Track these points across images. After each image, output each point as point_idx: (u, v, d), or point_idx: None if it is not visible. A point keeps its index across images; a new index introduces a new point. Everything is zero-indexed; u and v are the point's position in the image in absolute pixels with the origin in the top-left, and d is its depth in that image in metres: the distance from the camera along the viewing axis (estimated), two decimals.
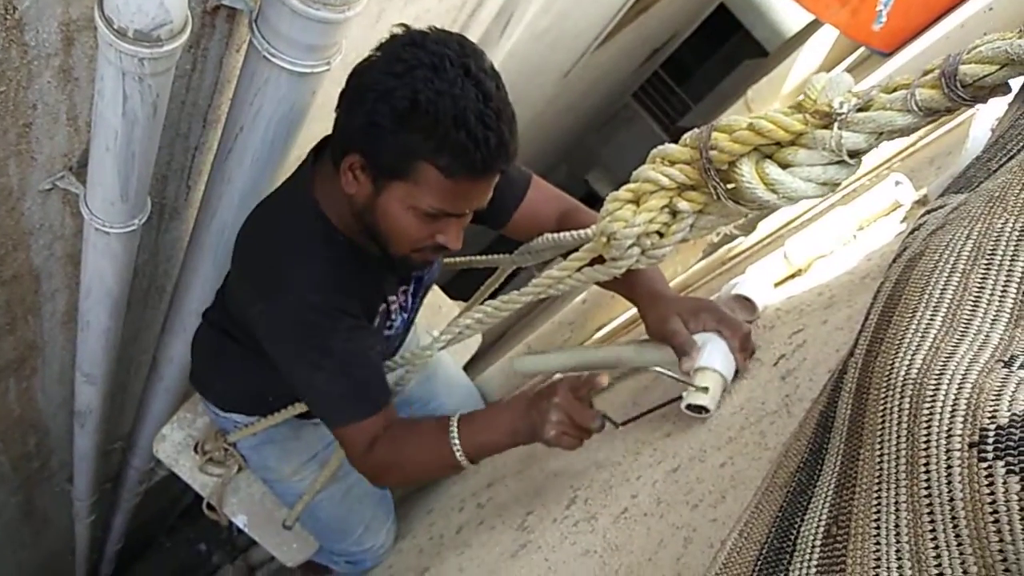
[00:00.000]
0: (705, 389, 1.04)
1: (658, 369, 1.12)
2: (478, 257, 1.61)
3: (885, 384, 0.48)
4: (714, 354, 1.08)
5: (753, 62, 4.91)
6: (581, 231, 1.24)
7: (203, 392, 1.66)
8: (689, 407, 1.05)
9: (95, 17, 0.87)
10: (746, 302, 1.21)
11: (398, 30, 1.08)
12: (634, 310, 1.31)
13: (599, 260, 1.05)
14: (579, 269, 1.06)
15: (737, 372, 1.08)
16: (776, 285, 1.25)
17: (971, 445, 0.41)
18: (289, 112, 1.22)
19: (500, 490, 1.51)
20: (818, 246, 1.21)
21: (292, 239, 1.22)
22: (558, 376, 1.21)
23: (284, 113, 1.22)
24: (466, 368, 2.05)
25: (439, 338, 1.27)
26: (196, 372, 1.65)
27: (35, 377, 1.86)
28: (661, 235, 0.96)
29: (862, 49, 1.96)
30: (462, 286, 2.16)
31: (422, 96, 1.00)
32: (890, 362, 0.49)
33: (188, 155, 1.47)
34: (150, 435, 2.30)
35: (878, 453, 0.46)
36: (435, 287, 2.08)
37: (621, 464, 1.12)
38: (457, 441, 1.18)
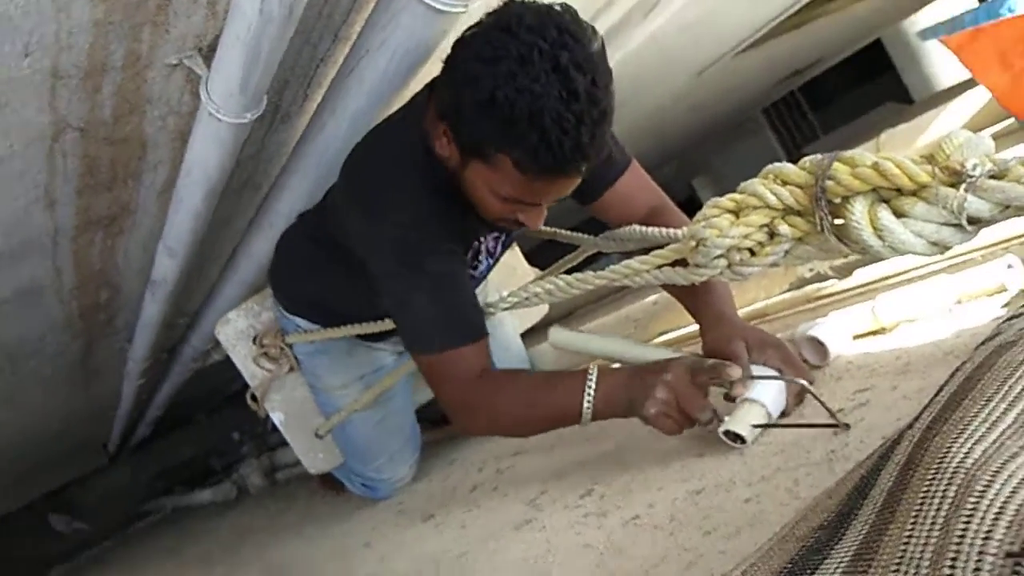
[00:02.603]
0: (745, 420, 1.01)
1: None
2: (563, 231, 1.60)
3: (936, 466, 0.45)
4: (768, 390, 1.04)
5: (896, 106, 4.71)
6: (671, 230, 1.21)
7: (276, 289, 1.72)
8: (727, 433, 1.02)
9: None
10: (819, 346, 1.16)
11: None
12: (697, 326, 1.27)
13: (682, 263, 1.03)
14: (659, 267, 1.04)
15: (783, 414, 1.05)
16: (855, 337, 1.20)
17: (1009, 555, 0.39)
18: (415, 47, 1.23)
19: (523, 462, 1.51)
20: (910, 309, 1.15)
21: (399, 166, 1.23)
22: (678, 356, 1.14)
23: (411, 47, 1.22)
24: (524, 337, 2.05)
25: (506, 298, 1.27)
26: (275, 269, 1.71)
27: (121, 237, 1.94)
28: (753, 253, 0.93)
29: (1012, 120, 1.85)
30: (543, 256, 2.15)
31: (500, 92, 0.98)
32: (948, 445, 0.46)
33: (312, 64, 1.50)
34: (214, 319, 2.39)
35: (907, 534, 0.44)
36: (516, 249, 2.08)
37: (646, 471, 1.10)
38: (592, 390, 1.10)
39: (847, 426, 0.92)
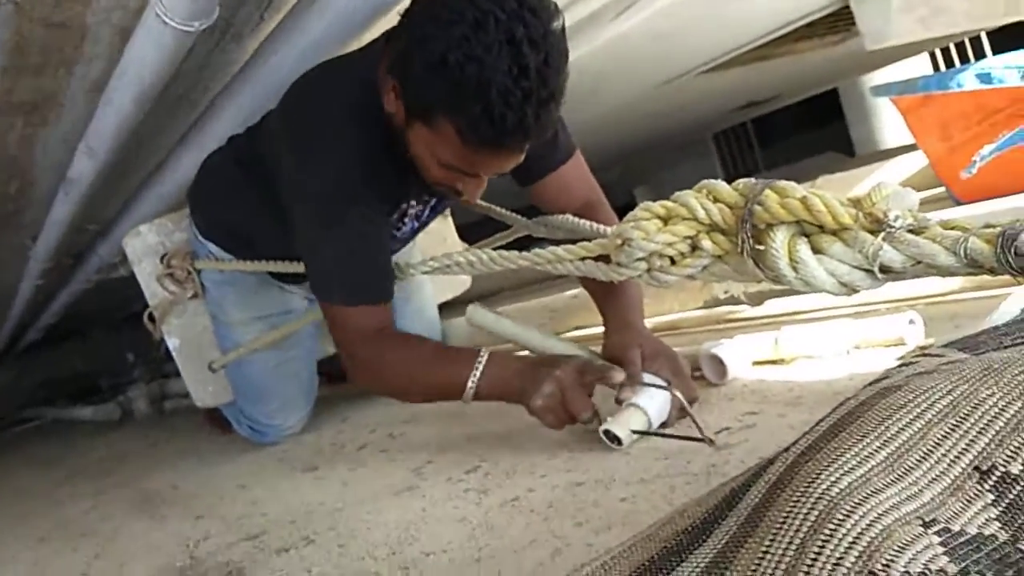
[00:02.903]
0: (626, 424, 1.04)
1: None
2: (497, 208, 1.59)
3: (802, 489, 0.46)
4: (653, 398, 1.07)
5: (838, 156, 4.86)
6: (601, 226, 1.22)
7: (193, 210, 1.66)
8: (606, 433, 1.04)
9: None
10: (719, 365, 1.19)
11: None
12: None
13: (605, 259, 1.03)
14: (583, 258, 1.05)
15: (665, 424, 1.08)
16: (755, 363, 1.23)
17: None
18: None
19: (415, 431, 1.51)
20: (810, 345, 1.19)
21: (342, 110, 1.20)
22: (579, 354, 1.17)
23: None
24: (441, 309, 2.03)
25: (427, 261, 1.26)
26: (195, 189, 1.65)
27: (43, 129, 1.84)
28: (673, 262, 0.94)
29: (942, 189, 1.93)
30: (476, 233, 2.14)
31: (451, 56, 0.96)
32: (817, 471, 0.47)
33: None
34: (125, 231, 2.30)
35: (763, 550, 0.45)
36: (448, 219, 2.06)
37: (533, 457, 1.11)
38: (480, 371, 1.12)
39: (711, 442, 0.96)
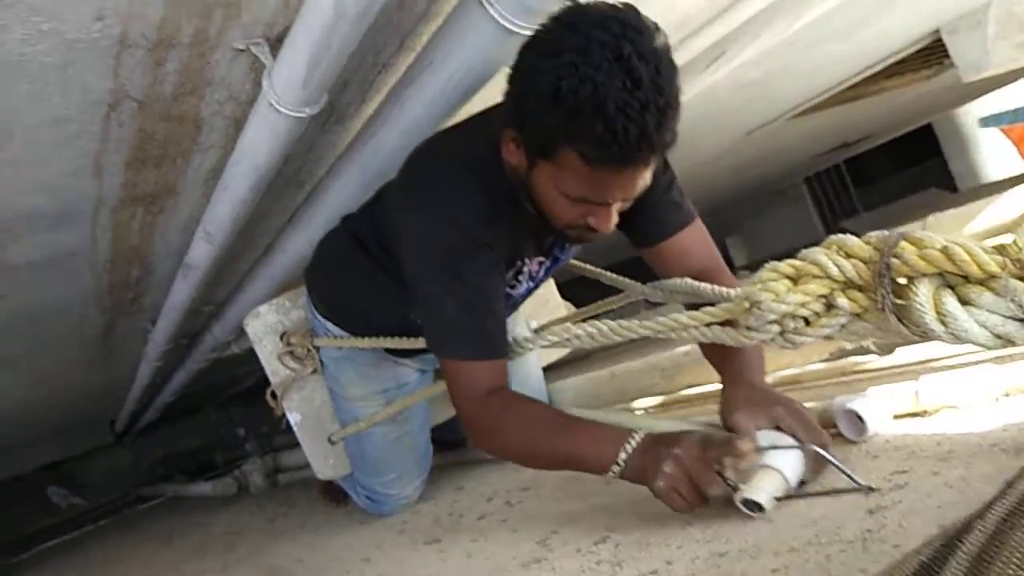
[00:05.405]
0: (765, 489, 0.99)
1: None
2: (608, 273, 1.57)
3: (1017, 562, 0.42)
4: (786, 457, 1.03)
5: (939, 192, 4.67)
6: (724, 289, 1.19)
7: (311, 289, 1.72)
8: (745, 502, 0.99)
9: None
10: (857, 421, 1.13)
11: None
12: None
13: (731, 324, 1.00)
14: (708, 324, 1.02)
15: (803, 483, 1.03)
16: (895, 417, 1.16)
17: None
18: (480, 64, 1.23)
19: (534, 498, 1.48)
20: (955, 395, 1.12)
21: (465, 168, 1.24)
22: (694, 429, 1.13)
23: (476, 63, 1.23)
24: (544, 372, 2.02)
25: (544, 335, 1.25)
26: (312, 269, 1.70)
27: (161, 216, 1.95)
28: (808, 323, 0.91)
29: None
30: (575, 291, 2.13)
31: (564, 83, 0.98)
32: None
33: (375, 69, 1.50)
34: (239, 311, 2.39)
35: None
36: (551, 281, 2.06)
37: (665, 527, 1.06)
38: (632, 449, 1.07)
39: (871, 489, 0.90)
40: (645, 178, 1.09)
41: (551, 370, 2.07)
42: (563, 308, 2.02)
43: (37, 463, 4.77)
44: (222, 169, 1.63)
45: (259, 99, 1.32)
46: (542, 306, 1.98)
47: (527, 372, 1.92)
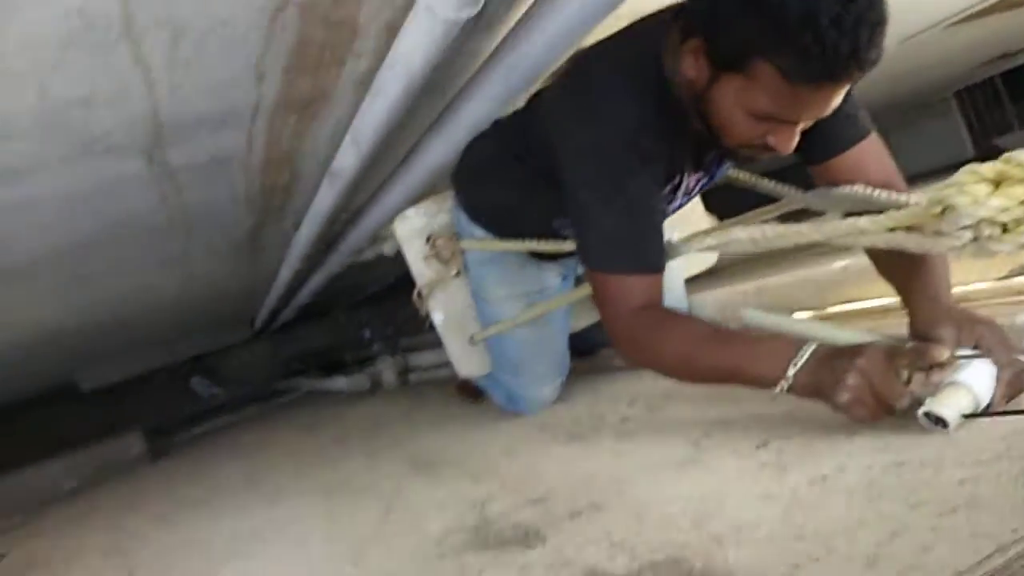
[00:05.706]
0: (952, 404, 0.94)
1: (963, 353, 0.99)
2: (767, 181, 1.51)
3: None
4: (978, 373, 0.97)
5: None
6: (906, 196, 1.10)
7: (459, 193, 1.74)
8: (928, 415, 0.95)
9: None
10: None
11: None
12: (889, 299, 1.19)
13: (915, 231, 0.96)
14: (891, 229, 0.97)
15: (990, 405, 0.97)
16: None
17: None
18: None
19: (678, 404, 1.48)
20: None
21: (632, 76, 1.20)
22: (878, 340, 1.07)
23: None
24: (687, 283, 2.00)
25: (704, 239, 1.23)
26: (461, 173, 1.73)
27: (314, 122, 2.00)
28: (1006, 230, 0.86)
29: None
30: (719, 201, 2.07)
31: None
32: None
33: None
34: (377, 217, 2.46)
35: None
36: None
37: (831, 435, 1.04)
38: (804, 361, 1.02)
39: None
40: (840, 97, 1.02)
41: (691, 283, 2.05)
42: (705, 219, 1.98)
43: (182, 355, 5.14)
44: (372, 76, 1.66)
45: (415, 3, 1.32)
46: (685, 218, 1.94)
47: (671, 283, 1.91)
